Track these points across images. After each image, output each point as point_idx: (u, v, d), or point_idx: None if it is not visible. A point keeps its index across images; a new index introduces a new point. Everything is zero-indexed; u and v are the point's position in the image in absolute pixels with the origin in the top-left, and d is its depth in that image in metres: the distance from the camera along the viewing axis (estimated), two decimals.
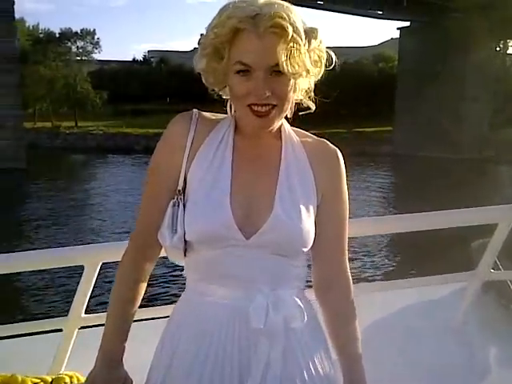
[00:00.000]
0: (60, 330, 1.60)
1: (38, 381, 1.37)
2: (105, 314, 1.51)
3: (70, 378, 1.39)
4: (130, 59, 74.29)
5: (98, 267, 1.53)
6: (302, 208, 1.24)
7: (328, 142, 1.34)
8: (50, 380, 1.39)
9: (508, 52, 44.20)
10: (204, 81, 1.27)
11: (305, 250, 1.25)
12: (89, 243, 9.21)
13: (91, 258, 1.55)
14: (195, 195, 1.23)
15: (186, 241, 1.23)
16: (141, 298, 1.31)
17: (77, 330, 1.56)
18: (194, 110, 1.30)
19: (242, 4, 1.15)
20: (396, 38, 43.90)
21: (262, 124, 1.21)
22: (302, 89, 1.26)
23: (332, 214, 1.30)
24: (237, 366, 1.17)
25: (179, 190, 1.24)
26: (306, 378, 1.19)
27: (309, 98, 1.29)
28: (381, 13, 39.35)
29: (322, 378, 1.22)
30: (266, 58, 1.14)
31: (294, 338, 1.20)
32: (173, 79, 58.09)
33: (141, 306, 1.33)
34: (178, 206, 1.23)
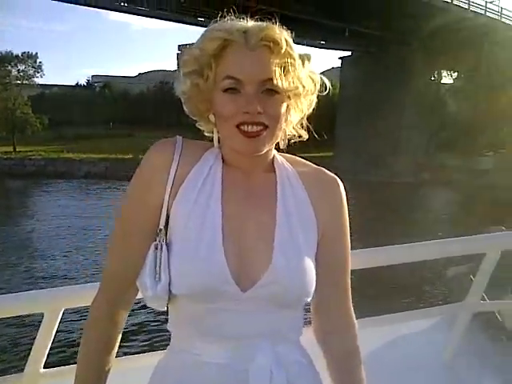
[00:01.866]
0: None
1: None
2: (66, 367, 1.40)
3: None
4: (73, 84, 72.99)
5: (60, 314, 1.34)
6: (304, 253, 1.08)
7: (326, 171, 1.19)
8: None
9: (442, 82, 46.47)
10: (186, 108, 1.13)
11: (308, 300, 1.10)
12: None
13: (52, 304, 1.35)
14: (180, 236, 1.05)
15: (169, 290, 1.05)
16: (116, 349, 1.16)
17: None
18: (178, 137, 1.13)
19: (229, 22, 1.06)
20: (337, 67, 45.28)
21: (252, 146, 1.05)
22: (292, 121, 1.14)
23: (334, 254, 1.15)
24: None
25: (160, 229, 1.07)
26: None
27: (301, 125, 1.17)
28: (323, 42, 40.56)
29: None
30: (257, 72, 1.03)
31: None
32: (117, 104, 57.37)
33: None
34: (161, 248, 1.05)
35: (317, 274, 1.10)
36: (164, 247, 1.05)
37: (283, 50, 1.04)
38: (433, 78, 43.53)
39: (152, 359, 1.40)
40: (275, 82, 1.03)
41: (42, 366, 1.38)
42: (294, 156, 1.19)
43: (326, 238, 1.13)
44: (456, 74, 47.50)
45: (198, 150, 1.13)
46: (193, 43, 1.09)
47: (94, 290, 1.23)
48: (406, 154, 36.25)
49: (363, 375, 1.17)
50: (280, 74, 1.03)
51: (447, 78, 48.14)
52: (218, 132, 1.13)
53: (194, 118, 1.15)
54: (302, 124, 1.17)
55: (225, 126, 1.07)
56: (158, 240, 1.06)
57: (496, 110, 35.76)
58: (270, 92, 1.04)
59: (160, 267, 1.04)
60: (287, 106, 1.10)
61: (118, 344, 1.17)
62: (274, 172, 1.14)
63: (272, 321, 1.08)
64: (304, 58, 1.09)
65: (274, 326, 1.08)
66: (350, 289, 1.18)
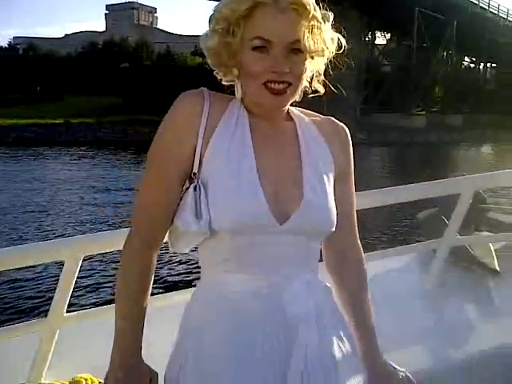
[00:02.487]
0: None
1: None
2: (89, 311, 1.57)
3: (85, 380, 1.16)
4: None
5: (80, 261, 1.39)
6: (327, 187, 1.20)
7: (335, 119, 1.32)
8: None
9: (376, 42, 47.38)
10: (210, 61, 1.19)
11: (332, 230, 1.19)
12: None
13: (72, 252, 1.40)
14: (219, 179, 1.12)
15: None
16: (150, 289, 1.19)
17: (58, 331, 1.39)
18: (204, 89, 1.19)
19: None
20: None
21: (278, 102, 1.15)
22: (310, 71, 1.21)
23: (347, 189, 1.28)
24: (276, 351, 1.10)
25: (194, 173, 1.13)
26: (337, 354, 1.16)
27: (318, 81, 1.25)
28: None
29: (350, 354, 1.19)
30: (286, 34, 1.11)
31: (324, 320, 1.17)
32: (43, 67, 54.64)
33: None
34: (200, 189, 1.12)
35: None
36: (202, 189, 1.11)
37: (311, 14, 1.11)
38: (367, 39, 44.25)
39: (179, 297, 1.48)
40: (302, 43, 1.11)
41: (65, 310, 1.42)
42: (301, 108, 1.29)
43: (339, 176, 1.25)
44: (389, 35, 48.50)
45: (223, 101, 1.20)
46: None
47: (112, 237, 1.38)
48: (342, 114, 37.00)
49: (371, 308, 1.28)
50: (307, 37, 1.11)
51: (381, 39, 49.11)
52: (240, 85, 1.20)
53: (215, 69, 1.21)
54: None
55: (252, 82, 1.14)
56: (196, 182, 1.12)
57: (428, 71, 37.02)
58: (296, 51, 1.12)
59: (201, 206, 1.10)
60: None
61: (151, 284, 1.18)
62: (292, 120, 1.24)
63: (303, 252, 1.17)
64: (325, 17, 1.16)
65: (304, 257, 1.18)
66: (355, 223, 1.30)
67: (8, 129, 36.23)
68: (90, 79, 51.62)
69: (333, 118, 1.31)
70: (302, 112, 1.28)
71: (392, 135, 35.10)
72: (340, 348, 1.16)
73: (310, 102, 1.26)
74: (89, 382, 1.14)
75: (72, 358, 1.18)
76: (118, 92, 42.77)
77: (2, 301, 7.05)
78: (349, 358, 1.17)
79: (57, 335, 1.38)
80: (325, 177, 1.20)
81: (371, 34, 45.58)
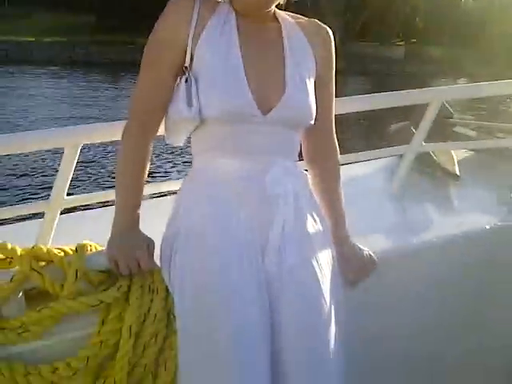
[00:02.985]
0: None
1: (60, 251, 1.23)
2: (88, 195, 1.65)
3: (90, 246, 1.27)
4: None
5: (79, 149, 1.44)
6: (308, 83, 1.29)
7: (319, 22, 1.39)
8: (74, 248, 1.26)
9: None
10: None
11: (312, 122, 1.30)
12: None
13: (72, 140, 1.45)
14: (208, 71, 1.23)
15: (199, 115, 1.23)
16: (146, 172, 1.30)
17: (59, 213, 1.48)
18: None
19: None
20: None
21: (264, 2, 1.25)
22: None
23: (327, 85, 1.38)
24: (257, 226, 1.22)
25: (186, 67, 1.23)
26: (310, 231, 1.29)
27: None
28: None
29: (321, 231, 1.32)
30: None
31: (300, 202, 1.29)
32: None
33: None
34: (191, 80, 1.22)
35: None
36: (193, 80, 1.22)
37: None
38: None
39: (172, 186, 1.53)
40: None
41: (65, 194, 1.48)
42: (287, 12, 1.37)
43: (320, 70, 1.35)
44: None
45: (213, 3, 1.29)
46: None
47: (109, 128, 1.45)
48: None
49: (342, 196, 1.43)
50: None
51: None
52: None
53: None
54: None
55: None
56: (187, 74, 1.23)
57: (408, 1, 36.14)
58: None
59: (191, 95, 1.21)
60: None
61: (147, 168, 1.29)
62: (278, 22, 1.32)
63: (283, 141, 1.30)
64: None
65: (285, 147, 1.31)
66: (334, 122, 1.43)
67: None
68: None
69: (317, 21, 1.38)
70: (288, 14, 1.35)
71: (371, 65, 34.61)
72: (313, 226, 1.29)
73: None
74: (92, 247, 1.27)
75: (73, 241, 1.28)
76: (91, 10, 40.82)
77: (6, 186, 7.55)
78: (321, 235, 1.30)
79: (57, 218, 1.49)
80: (306, 74, 1.29)
81: None
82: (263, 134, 1.25)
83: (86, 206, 1.64)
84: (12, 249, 1.18)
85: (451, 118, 2.45)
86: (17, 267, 1.18)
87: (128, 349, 1.17)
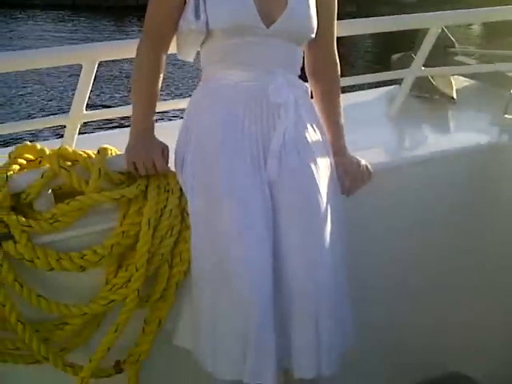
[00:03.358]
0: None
1: (84, 154, 1.36)
2: (104, 110, 1.81)
3: (110, 150, 1.39)
4: None
5: (96, 65, 1.53)
6: (310, 1, 1.38)
7: None
8: (96, 152, 1.38)
9: None
10: None
11: (312, 36, 1.40)
12: None
13: (89, 57, 1.53)
14: None
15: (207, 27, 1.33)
16: (160, 83, 1.41)
17: (79, 125, 1.59)
18: None
19: None
20: None
21: None
22: None
23: (326, 3, 1.46)
24: (261, 132, 1.35)
25: None
26: (311, 141, 1.41)
27: None
28: None
29: (320, 140, 1.44)
30: None
31: (301, 111, 1.40)
32: None
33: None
34: None
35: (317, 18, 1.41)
36: None
37: None
38: None
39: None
40: None
41: (84, 108, 1.58)
42: None
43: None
44: None
45: None
46: None
47: (125, 45, 1.54)
48: None
49: (342, 111, 1.54)
50: None
51: None
52: None
53: None
54: None
55: None
56: None
57: None
58: None
59: (199, 9, 1.31)
60: None
61: (161, 80, 1.41)
62: None
63: (286, 53, 1.39)
64: None
65: (288, 59, 1.40)
66: (335, 41, 1.52)
67: None
68: None
69: None
70: None
71: (383, 8, 33.79)
72: (312, 135, 1.41)
73: None
74: (113, 151, 1.39)
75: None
76: None
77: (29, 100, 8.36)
78: (320, 144, 1.42)
79: (77, 132, 1.60)
80: None
81: None
82: (266, 47, 1.34)
83: (103, 121, 1.77)
84: (41, 149, 1.32)
85: (453, 47, 2.50)
86: (47, 165, 1.32)
87: (147, 239, 1.31)
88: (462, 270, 1.95)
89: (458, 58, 2.53)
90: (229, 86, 1.36)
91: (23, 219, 1.27)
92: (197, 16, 1.31)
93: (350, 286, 1.44)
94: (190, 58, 1.44)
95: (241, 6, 1.30)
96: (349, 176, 1.52)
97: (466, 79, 2.47)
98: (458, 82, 2.39)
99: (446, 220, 1.88)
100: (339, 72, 1.55)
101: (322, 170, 1.39)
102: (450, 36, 2.47)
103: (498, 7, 2.09)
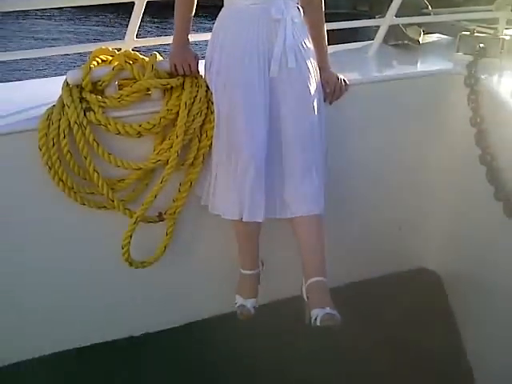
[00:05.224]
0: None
1: (136, 56, 1.93)
2: (151, 38, 2.35)
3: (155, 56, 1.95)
4: None
5: (145, 2, 2.08)
6: None
7: None
8: (145, 59, 1.95)
9: None
10: None
11: None
12: None
13: None
14: None
15: None
16: (194, 7, 1.96)
17: (130, 49, 2.04)
18: None
19: None
20: None
21: None
22: None
23: None
24: (266, 41, 1.87)
25: None
26: (304, 49, 1.93)
27: None
28: None
29: (310, 50, 1.97)
30: None
31: (296, 27, 1.91)
32: None
33: None
34: None
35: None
36: None
37: None
38: None
39: None
40: None
41: (135, 36, 2.17)
42: None
43: None
44: None
45: None
46: None
47: None
48: None
49: (325, 36, 2.10)
50: None
51: None
52: None
53: None
54: None
55: None
56: None
57: None
58: None
59: None
60: None
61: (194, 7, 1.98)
62: None
63: None
64: None
65: None
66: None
67: None
68: None
69: None
70: None
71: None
72: (304, 45, 1.93)
73: None
74: (158, 57, 1.97)
75: None
76: None
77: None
78: (310, 53, 1.95)
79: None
80: None
81: None
82: None
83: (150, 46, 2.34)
84: (113, 50, 1.91)
85: (426, 8, 3.03)
86: (116, 62, 1.90)
87: (184, 115, 1.88)
88: (415, 171, 2.45)
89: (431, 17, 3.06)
90: (242, 8, 1.89)
91: (100, 98, 1.86)
92: None
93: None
94: None
95: None
96: (330, 86, 2.10)
97: (436, 35, 3.01)
98: (427, 38, 2.94)
99: (406, 129, 2.38)
100: (323, 6, 2.09)
101: (311, 71, 1.95)
102: (426, 1, 3.01)
103: None
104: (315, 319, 1.74)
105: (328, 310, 1.73)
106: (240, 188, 1.86)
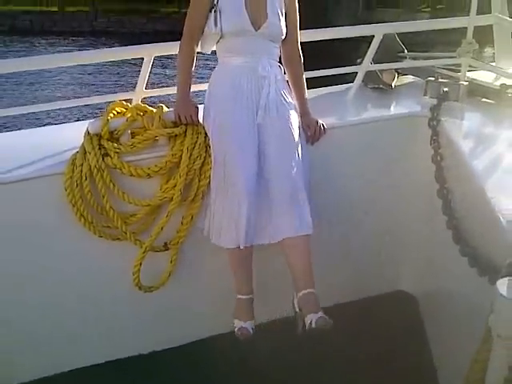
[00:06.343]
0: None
1: (146, 108, 2.29)
2: (158, 89, 2.73)
3: (162, 107, 2.28)
4: None
5: (152, 58, 2.41)
6: (280, 15, 2.29)
7: None
8: (153, 110, 2.26)
9: None
10: None
11: (283, 37, 2.32)
12: None
13: (148, 53, 2.42)
14: (226, 7, 2.22)
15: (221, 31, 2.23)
16: (194, 64, 2.29)
17: (140, 99, 2.43)
18: None
19: None
20: None
21: None
22: None
23: (292, 14, 2.37)
24: (253, 94, 2.23)
25: (215, 4, 2.23)
26: (285, 101, 2.30)
27: None
28: None
29: (291, 102, 2.33)
30: None
31: (278, 83, 2.29)
32: None
33: None
34: (216, 12, 2.22)
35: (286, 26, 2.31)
36: (218, 12, 2.23)
37: None
38: None
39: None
40: None
41: (144, 87, 2.51)
42: None
43: (287, 11, 2.35)
44: None
45: None
46: None
47: (173, 45, 2.35)
48: (345, 10, 36.22)
49: (305, 87, 2.45)
50: None
51: None
52: None
53: None
54: None
55: None
56: (214, 8, 2.24)
57: None
58: None
59: (217, 20, 2.23)
60: None
61: (195, 61, 2.31)
62: None
63: (268, 47, 2.28)
64: None
65: (269, 50, 2.28)
66: (299, 41, 2.41)
67: (3, 16, 35.48)
68: None
69: None
70: None
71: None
72: (286, 98, 2.29)
73: None
74: (164, 108, 2.30)
75: None
76: None
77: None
78: (291, 104, 2.31)
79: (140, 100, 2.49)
80: (278, 9, 2.29)
81: None
82: (256, 43, 2.24)
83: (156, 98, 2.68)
84: (126, 104, 2.25)
85: (402, 52, 3.39)
86: (129, 114, 2.24)
87: (186, 159, 2.21)
88: (390, 203, 2.75)
89: (406, 60, 3.41)
90: (233, 66, 2.25)
91: (115, 145, 2.19)
92: (215, 24, 2.22)
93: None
94: (209, 51, 2.35)
95: (241, 19, 2.21)
96: (310, 130, 2.43)
97: (412, 76, 3.36)
98: (404, 79, 3.29)
99: (379, 167, 2.68)
100: (302, 61, 2.44)
101: (292, 119, 2.28)
102: (401, 43, 3.36)
103: (436, 19, 3.00)
104: (310, 323, 2.01)
105: (320, 314, 2.03)
106: (236, 219, 2.15)
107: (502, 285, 1.17)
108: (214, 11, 2.22)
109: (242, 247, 2.17)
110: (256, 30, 2.22)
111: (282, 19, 2.30)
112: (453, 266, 2.13)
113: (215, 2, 2.23)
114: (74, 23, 34.01)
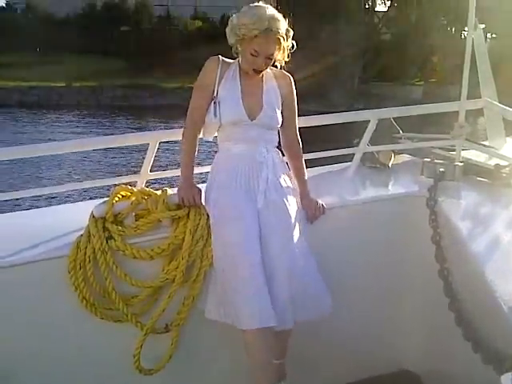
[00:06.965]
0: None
1: (150, 193, 2.36)
2: (162, 171, 2.85)
3: (166, 191, 2.35)
4: None
5: (157, 144, 2.57)
6: (275, 106, 2.43)
7: (284, 71, 2.48)
8: (157, 193, 2.37)
9: (376, 9, 47.37)
10: (229, 42, 2.37)
11: (278, 126, 2.45)
12: None
13: (153, 138, 2.58)
14: (224, 99, 2.36)
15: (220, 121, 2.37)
16: (196, 151, 2.42)
17: (145, 181, 2.56)
18: (219, 56, 2.41)
19: (260, 18, 2.24)
20: None
21: (257, 74, 2.40)
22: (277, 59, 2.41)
23: (290, 105, 2.50)
24: (252, 179, 2.34)
25: (215, 96, 2.38)
26: (284, 184, 2.40)
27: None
28: None
29: (290, 186, 2.43)
30: (268, 51, 2.29)
31: (276, 166, 2.40)
32: (42, 28, 54.25)
33: None
34: (216, 103, 2.36)
35: (282, 118, 2.43)
36: (217, 104, 2.37)
37: (282, 40, 2.30)
38: (367, 6, 44.39)
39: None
40: (275, 55, 2.34)
41: (149, 170, 2.61)
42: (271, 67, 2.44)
43: (285, 100, 2.47)
44: (390, 1, 48.39)
45: (228, 63, 2.42)
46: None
47: (177, 132, 2.49)
48: (341, 84, 37.47)
49: (305, 171, 2.56)
50: (277, 50, 2.33)
51: (381, 6, 49.02)
52: (239, 57, 2.40)
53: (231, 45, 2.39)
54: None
55: (246, 65, 2.36)
56: (214, 100, 2.38)
57: (427, 40, 37.23)
58: (270, 57, 2.33)
59: (216, 111, 2.37)
60: None
61: (196, 149, 2.43)
62: (262, 74, 2.42)
63: (265, 135, 2.40)
64: (288, 34, 2.32)
65: (266, 137, 2.41)
66: (297, 128, 2.54)
67: (11, 92, 36.51)
68: (90, 41, 51.35)
69: (283, 71, 2.47)
70: (270, 68, 2.43)
71: (389, 105, 35.70)
72: (284, 181, 2.39)
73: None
74: (168, 191, 2.36)
75: None
76: (119, 55, 43.00)
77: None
78: (290, 187, 2.41)
79: (144, 184, 2.59)
80: (274, 100, 2.42)
81: (372, 1, 45.65)
82: (253, 131, 2.36)
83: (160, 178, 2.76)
84: (131, 188, 2.32)
85: (398, 133, 3.51)
86: (133, 198, 2.30)
87: (189, 241, 2.25)
88: (390, 282, 2.77)
89: (402, 141, 3.53)
90: (233, 153, 2.38)
91: (120, 227, 2.23)
92: (215, 115, 2.35)
93: None
94: (210, 138, 2.49)
95: (237, 110, 2.35)
96: (310, 210, 2.50)
97: (407, 156, 3.46)
98: (400, 158, 3.39)
99: (379, 246, 2.72)
100: (301, 147, 2.56)
101: (291, 202, 2.36)
102: (396, 125, 3.49)
103: (427, 105, 3.14)
104: None
105: None
106: (249, 302, 2.10)
107: (506, 379, 1.18)
108: (214, 103, 2.37)
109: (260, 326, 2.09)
110: (252, 120, 2.36)
111: (278, 110, 2.43)
112: (457, 348, 2.13)
113: (215, 94, 2.37)
114: (81, 97, 35.24)
